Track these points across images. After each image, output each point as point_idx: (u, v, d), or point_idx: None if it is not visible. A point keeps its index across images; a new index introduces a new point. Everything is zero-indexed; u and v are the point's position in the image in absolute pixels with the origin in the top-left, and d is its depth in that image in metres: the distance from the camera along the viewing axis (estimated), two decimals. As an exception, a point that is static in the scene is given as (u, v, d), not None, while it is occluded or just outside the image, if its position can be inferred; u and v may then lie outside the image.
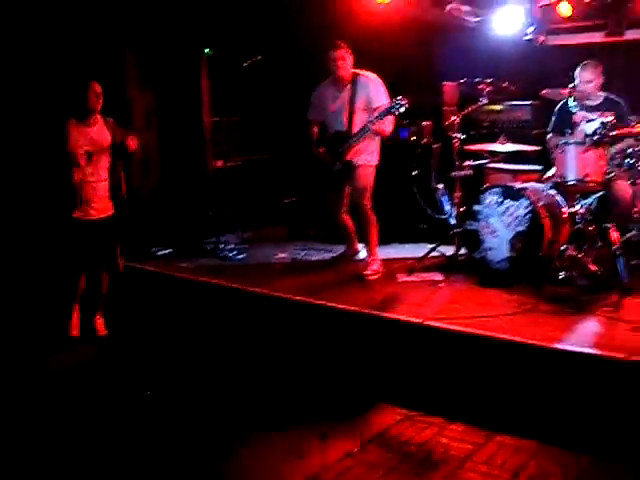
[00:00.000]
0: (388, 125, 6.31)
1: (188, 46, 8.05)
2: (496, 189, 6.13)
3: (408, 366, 4.94)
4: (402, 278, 6.30)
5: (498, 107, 7.78)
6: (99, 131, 5.92)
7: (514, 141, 6.73)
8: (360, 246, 6.90)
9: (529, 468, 3.88)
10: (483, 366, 4.66)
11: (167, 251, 7.57)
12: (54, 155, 5.85)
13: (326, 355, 5.33)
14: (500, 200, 6.05)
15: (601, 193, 5.96)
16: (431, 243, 6.75)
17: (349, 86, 6.40)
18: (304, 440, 4.26)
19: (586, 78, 6.36)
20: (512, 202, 5.97)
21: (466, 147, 6.76)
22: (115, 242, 6.05)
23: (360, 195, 6.40)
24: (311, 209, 7.99)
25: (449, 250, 6.65)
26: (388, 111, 6.15)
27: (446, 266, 6.50)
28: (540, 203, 5.85)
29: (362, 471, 3.92)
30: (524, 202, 5.90)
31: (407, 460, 4.04)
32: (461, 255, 6.54)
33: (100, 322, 6.15)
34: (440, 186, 6.99)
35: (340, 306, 5.51)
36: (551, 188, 6.07)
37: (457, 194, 6.63)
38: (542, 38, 8.02)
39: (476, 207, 6.22)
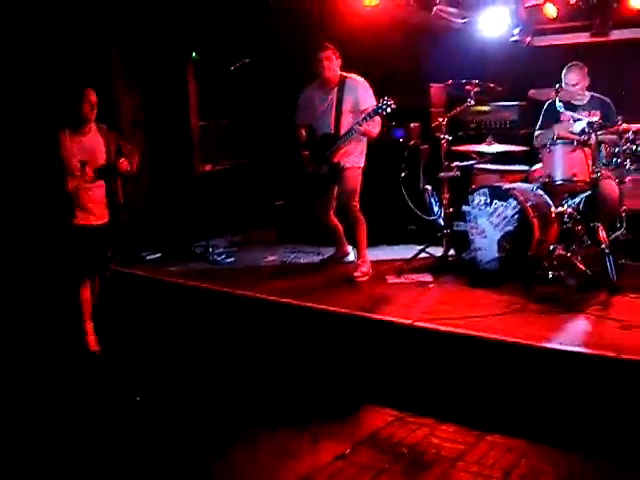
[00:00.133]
0: (375, 126, 6.31)
1: (175, 49, 8.03)
2: (484, 190, 6.14)
3: (398, 367, 4.94)
4: (391, 279, 6.30)
5: (485, 108, 7.82)
6: (93, 140, 5.76)
7: (501, 142, 6.75)
8: (349, 248, 6.90)
9: (520, 467, 3.88)
10: (473, 366, 4.66)
11: (156, 255, 7.55)
12: (48, 162, 5.70)
13: (317, 357, 5.32)
14: (488, 201, 6.07)
15: (589, 192, 5.99)
16: (420, 244, 6.76)
17: (336, 89, 6.40)
18: (295, 441, 4.26)
19: (572, 80, 6.40)
20: (500, 202, 5.99)
21: (454, 148, 6.79)
22: (109, 249, 5.96)
23: (348, 197, 6.41)
24: (300, 212, 7.99)
25: (438, 251, 6.66)
26: (375, 112, 6.15)
27: (435, 267, 6.51)
28: (528, 203, 5.87)
29: (354, 472, 3.91)
30: (512, 202, 5.92)
31: (399, 461, 4.03)
32: (450, 256, 6.55)
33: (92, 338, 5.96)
34: (428, 187, 7.02)
35: (330, 308, 5.51)
36: (539, 188, 6.09)
37: (445, 195, 6.65)
38: (528, 39, 8.07)
39: (465, 208, 6.23)
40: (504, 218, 5.95)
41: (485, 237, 6.07)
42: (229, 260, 7.35)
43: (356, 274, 6.33)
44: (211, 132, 8.45)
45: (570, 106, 6.32)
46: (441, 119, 6.66)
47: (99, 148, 5.75)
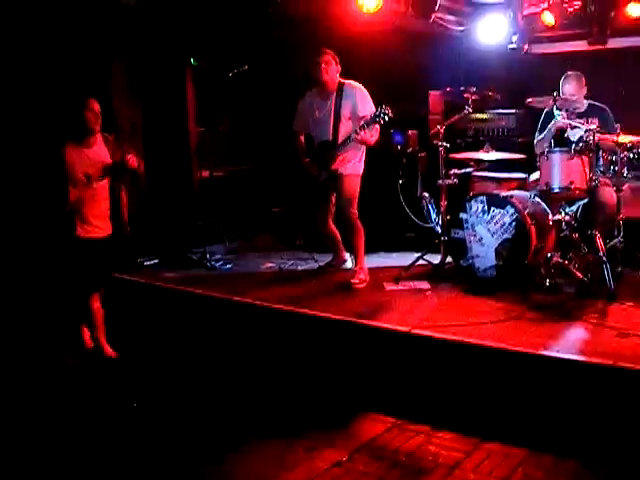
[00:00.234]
0: (373, 134, 6.31)
1: (174, 56, 8.05)
2: (482, 197, 6.15)
3: (396, 374, 4.93)
4: (389, 287, 6.30)
5: (483, 116, 7.84)
6: (98, 152, 5.59)
7: (499, 149, 6.77)
8: (347, 255, 6.90)
9: (518, 475, 3.88)
10: (471, 374, 4.66)
11: (154, 262, 7.54)
12: (51, 175, 5.57)
13: (313, 364, 5.31)
14: (486, 208, 6.07)
15: (586, 200, 5.99)
16: (418, 251, 6.75)
17: (334, 95, 6.41)
18: (291, 449, 4.25)
19: (569, 91, 6.41)
20: (498, 210, 5.99)
21: (452, 155, 6.79)
22: (113, 261, 5.89)
23: (347, 204, 6.41)
24: (298, 219, 7.99)
25: (436, 258, 6.66)
26: (373, 120, 6.15)
27: (433, 274, 6.51)
28: (526, 211, 5.87)
29: (350, 480, 3.91)
30: (510, 210, 5.92)
31: (396, 469, 4.03)
32: (448, 263, 6.55)
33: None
34: (426, 194, 7.02)
35: (327, 315, 5.50)
36: (536, 195, 6.10)
37: (443, 202, 6.64)
38: (526, 47, 8.10)
39: (462, 215, 6.23)
40: (502, 226, 5.96)
41: (482, 244, 6.07)
42: (226, 266, 7.34)
43: (353, 281, 6.32)
44: (209, 138, 8.44)
45: (568, 114, 6.32)
46: (439, 126, 6.65)
47: (105, 160, 5.60)
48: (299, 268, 7.20)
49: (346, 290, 6.24)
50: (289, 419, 4.69)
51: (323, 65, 6.33)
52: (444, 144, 6.63)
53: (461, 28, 8.04)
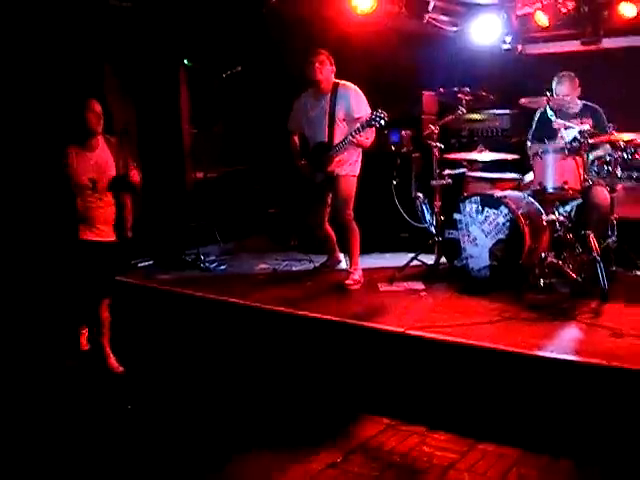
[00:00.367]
0: (369, 137, 6.30)
1: (167, 57, 8.03)
2: (476, 197, 6.16)
3: (390, 375, 4.93)
4: (383, 287, 6.30)
5: (477, 116, 7.84)
6: (102, 155, 5.41)
7: (493, 149, 6.77)
8: (341, 256, 6.90)
9: (512, 475, 3.89)
10: (465, 374, 4.66)
11: (148, 263, 7.52)
12: (53, 181, 5.42)
13: (308, 365, 5.31)
14: (480, 208, 6.08)
15: (580, 200, 6.01)
16: (412, 252, 6.75)
17: (329, 96, 6.40)
18: (286, 450, 4.24)
19: (563, 92, 6.44)
20: (492, 210, 6.00)
21: (445, 156, 6.80)
22: (118, 267, 5.79)
23: (343, 205, 6.40)
24: (292, 220, 7.98)
25: (430, 259, 6.66)
26: (368, 124, 6.14)
27: (427, 275, 6.51)
28: (520, 211, 5.88)
29: (345, 481, 3.91)
30: (504, 210, 5.93)
31: (390, 469, 4.03)
32: (442, 264, 6.56)
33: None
34: (420, 195, 7.02)
35: (321, 316, 5.50)
36: (530, 196, 6.11)
37: (437, 203, 6.65)
38: (520, 47, 8.11)
39: (456, 216, 6.24)
40: (495, 226, 5.97)
41: (477, 245, 6.08)
42: (221, 268, 7.34)
43: (348, 282, 6.32)
44: (203, 140, 8.42)
45: (561, 114, 6.34)
46: (433, 127, 6.66)
47: (109, 163, 5.42)
48: (293, 269, 7.20)
49: (340, 291, 6.23)
50: (283, 420, 4.69)
51: (317, 65, 6.33)
52: (438, 144, 6.63)
53: (455, 28, 8.04)
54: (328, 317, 5.47)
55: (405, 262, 6.65)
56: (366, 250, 6.86)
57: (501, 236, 5.94)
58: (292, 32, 8.17)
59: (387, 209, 7.32)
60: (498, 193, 6.21)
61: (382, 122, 6.08)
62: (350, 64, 6.79)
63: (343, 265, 6.86)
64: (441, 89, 7.19)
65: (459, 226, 6.21)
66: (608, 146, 5.98)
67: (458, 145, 7.79)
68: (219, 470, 4.13)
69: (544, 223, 5.97)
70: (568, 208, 6.12)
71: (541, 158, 5.90)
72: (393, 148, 7.76)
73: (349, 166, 6.42)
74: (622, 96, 7.38)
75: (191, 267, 7.35)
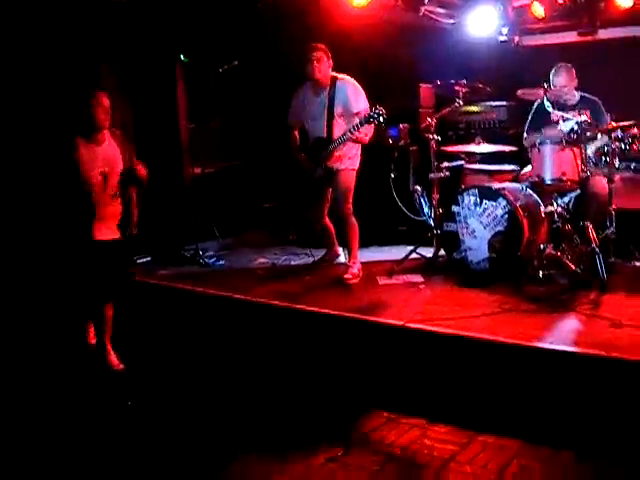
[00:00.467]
0: (367, 133, 6.29)
1: (163, 52, 8.00)
2: (474, 190, 6.15)
3: (390, 368, 4.93)
4: (382, 281, 6.30)
5: (474, 108, 7.84)
6: (110, 148, 5.22)
7: (490, 142, 6.78)
8: (340, 249, 6.90)
9: (513, 467, 3.88)
10: (465, 366, 4.66)
11: (146, 259, 7.52)
12: (61, 174, 5.22)
13: (307, 359, 5.31)
14: (478, 201, 6.08)
15: (578, 192, 6.01)
16: (410, 245, 6.76)
17: (327, 90, 6.37)
18: (287, 444, 4.24)
19: (560, 83, 6.43)
20: (490, 202, 6.00)
21: (443, 148, 6.80)
22: (125, 266, 5.71)
23: (342, 199, 6.39)
24: (291, 214, 7.98)
25: (429, 252, 6.66)
26: (366, 121, 6.11)
27: (426, 267, 6.52)
28: (518, 203, 5.88)
29: (346, 474, 3.90)
30: (502, 202, 5.93)
31: (391, 462, 4.03)
32: (441, 256, 6.56)
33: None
34: (418, 188, 7.02)
35: (321, 310, 5.50)
36: (528, 187, 6.10)
37: (435, 195, 6.65)
38: (516, 39, 8.10)
39: (454, 208, 6.23)
40: (494, 218, 5.97)
41: (475, 237, 6.08)
42: (220, 263, 7.33)
43: (347, 276, 6.32)
44: (200, 135, 8.41)
45: (559, 106, 6.33)
46: (430, 119, 6.66)
47: (117, 157, 5.25)
48: (292, 263, 7.19)
49: (339, 285, 6.24)
50: (283, 414, 4.68)
51: (315, 63, 6.28)
52: (435, 137, 6.63)
53: (451, 21, 8.03)
54: (327, 311, 5.48)
55: (404, 255, 6.66)
56: (365, 243, 6.86)
57: (500, 228, 5.94)
58: (288, 26, 8.15)
59: (385, 202, 7.33)
60: (496, 185, 6.21)
61: (381, 119, 6.05)
62: (346, 57, 6.78)
63: (342, 259, 6.86)
64: (438, 81, 7.20)
65: (457, 218, 6.21)
66: (606, 137, 5.97)
67: (455, 137, 7.78)
68: (222, 468, 4.13)
69: (542, 215, 5.98)
70: (566, 199, 6.12)
71: (539, 150, 5.90)
72: (391, 141, 7.75)
73: (348, 160, 6.41)
74: (619, 87, 7.36)
75: (190, 262, 7.35)
